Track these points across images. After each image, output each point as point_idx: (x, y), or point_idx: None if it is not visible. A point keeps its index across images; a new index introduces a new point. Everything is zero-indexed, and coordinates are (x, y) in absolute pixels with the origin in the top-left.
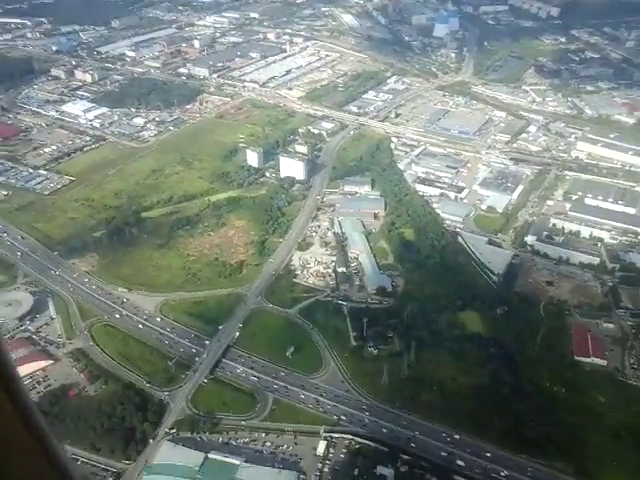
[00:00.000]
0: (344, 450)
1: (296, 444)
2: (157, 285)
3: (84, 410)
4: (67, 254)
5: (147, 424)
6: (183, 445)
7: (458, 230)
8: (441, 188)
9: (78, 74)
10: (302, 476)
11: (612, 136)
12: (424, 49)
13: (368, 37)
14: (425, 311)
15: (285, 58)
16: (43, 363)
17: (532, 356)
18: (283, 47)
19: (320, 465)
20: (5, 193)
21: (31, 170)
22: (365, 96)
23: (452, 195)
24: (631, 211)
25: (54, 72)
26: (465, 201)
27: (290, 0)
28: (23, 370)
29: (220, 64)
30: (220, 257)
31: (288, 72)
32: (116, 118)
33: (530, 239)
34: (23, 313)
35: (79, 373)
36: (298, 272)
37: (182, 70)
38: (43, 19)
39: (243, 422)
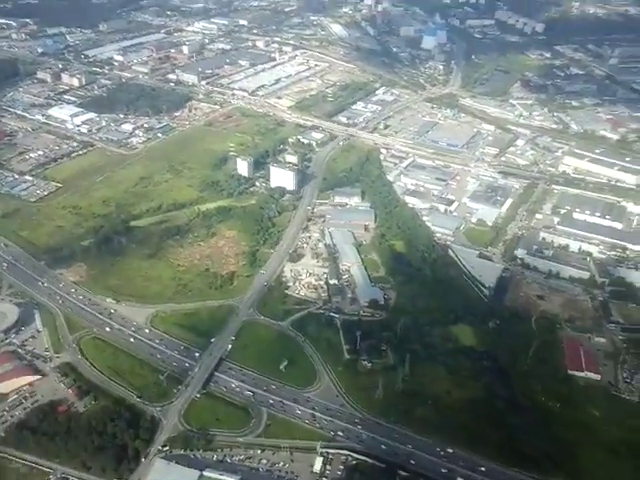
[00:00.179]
0: (341, 467)
1: (292, 461)
2: (147, 296)
3: (74, 427)
4: (54, 264)
5: (139, 441)
6: (177, 463)
7: (449, 243)
8: (431, 201)
9: (65, 78)
10: None
11: (598, 151)
12: (412, 61)
13: (357, 47)
14: (418, 324)
15: (274, 67)
16: (30, 378)
17: (525, 370)
18: (272, 55)
19: None
20: None
21: (16, 176)
22: (354, 107)
23: (442, 208)
24: (618, 226)
25: (40, 75)
26: (455, 214)
27: (279, 8)
28: (8, 385)
29: (209, 71)
30: (211, 268)
31: (277, 81)
32: (104, 124)
33: (520, 252)
34: (8, 326)
35: (67, 388)
36: (290, 284)
37: (171, 76)
38: (28, 20)
39: (240, 439)
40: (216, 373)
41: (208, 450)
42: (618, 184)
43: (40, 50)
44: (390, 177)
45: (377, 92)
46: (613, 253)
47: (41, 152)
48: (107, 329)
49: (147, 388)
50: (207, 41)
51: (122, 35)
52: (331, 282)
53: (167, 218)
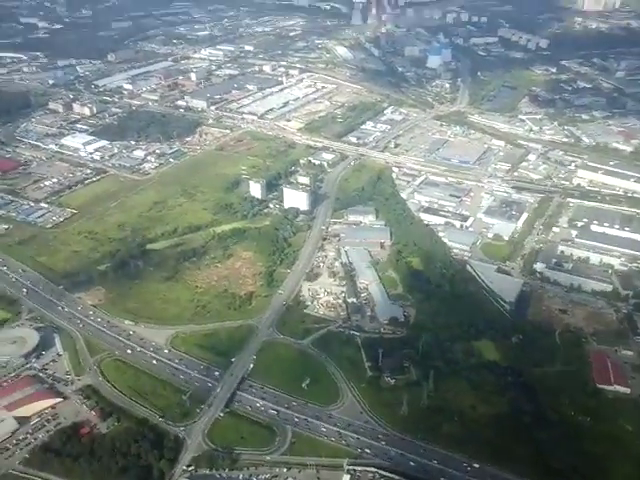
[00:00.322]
0: None
1: (319, 479)
2: (166, 318)
3: (97, 448)
4: (72, 288)
5: (164, 461)
6: None
7: (466, 258)
8: (446, 217)
9: (76, 107)
10: None
11: (612, 163)
12: (419, 80)
13: (362, 69)
14: (439, 340)
15: (282, 90)
16: (52, 401)
17: (552, 384)
18: (279, 79)
19: None
20: (6, 227)
21: (32, 203)
22: (363, 127)
23: (457, 224)
24: (638, 237)
25: (52, 105)
26: (471, 229)
27: (283, 33)
28: (30, 409)
29: (217, 96)
30: (229, 289)
31: (286, 104)
32: (116, 151)
33: (539, 266)
34: (28, 350)
35: (90, 410)
36: (308, 303)
37: (180, 102)
38: (39, 53)
39: (268, 457)
40: (239, 392)
41: (234, 469)
42: (635, 195)
43: (51, 81)
44: (403, 195)
45: (385, 112)
46: (635, 265)
47: (55, 180)
48: (128, 351)
49: (170, 408)
50: (214, 67)
51: (130, 64)
52: (350, 300)
53: (183, 241)
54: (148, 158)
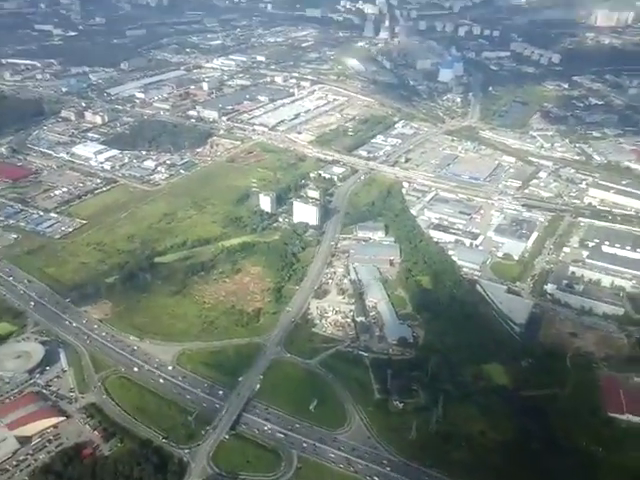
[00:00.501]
0: None
1: None
2: (173, 334)
3: (99, 471)
4: (79, 301)
5: None
6: None
7: (476, 278)
8: (456, 234)
9: (88, 116)
10: None
11: (624, 183)
12: (430, 93)
13: (374, 81)
14: (449, 363)
15: (293, 102)
16: (54, 420)
17: (563, 411)
18: (291, 90)
19: None
20: (15, 236)
21: (41, 213)
22: (374, 140)
23: (467, 242)
24: None
25: (64, 113)
26: (481, 248)
27: (296, 44)
28: (32, 428)
29: (229, 107)
30: (236, 305)
31: (297, 116)
32: (127, 160)
33: (550, 288)
34: (33, 365)
35: (93, 430)
36: (316, 321)
37: (191, 112)
38: (52, 60)
39: None
40: (245, 413)
41: None
42: None
43: (64, 89)
44: (413, 211)
45: (396, 125)
46: None
47: (65, 189)
48: (134, 369)
49: (175, 429)
50: (226, 77)
51: (143, 73)
52: (358, 319)
53: (192, 254)
54: (159, 169)
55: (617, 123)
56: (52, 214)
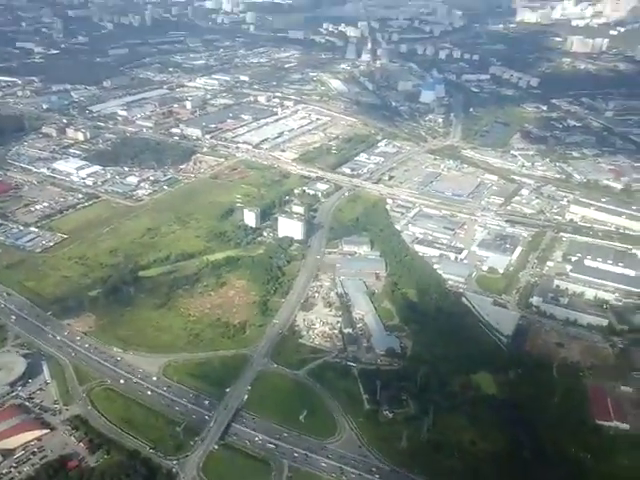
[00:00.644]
0: None
1: None
2: (159, 346)
3: None
4: (61, 314)
5: None
6: None
7: (462, 291)
8: (440, 249)
9: (70, 132)
10: None
11: (603, 200)
12: (412, 114)
13: (357, 102)
14: (437, 373)
15: (277, 121)
16: (38, 432)
17: (552, 420)
18: (274, 110)
19: None
20: None
21: (21, 227)
22: (357, 158)
23: (452, 256)
24: (631, 273)
25: (45, 130)
26: (465, 262)
27: (279, 65)
28: (15, 441)
29: (213, 125)
30: (222, 317)
31: (280, 134)
32: (109, 176)
33: (536, 300)
34: (15, 378)
35: (78, 442)
36: (304, 333)
37: (175, 130)
38: (34, 78)
39: None
40: (233, 424)
41: None
42: (626, 232)
43: (45, 106)
44: (398, 226)
45: (379, 144)
46: (629, 300)
47: (46, 204)
48: (119, 380)
49: (163, 440)
50: (209, 96)
51: (125, 91)
52: (345, 331)
53: (176, 268)
54: (142, 184)
55: (595, 144)
56: (32, 228)
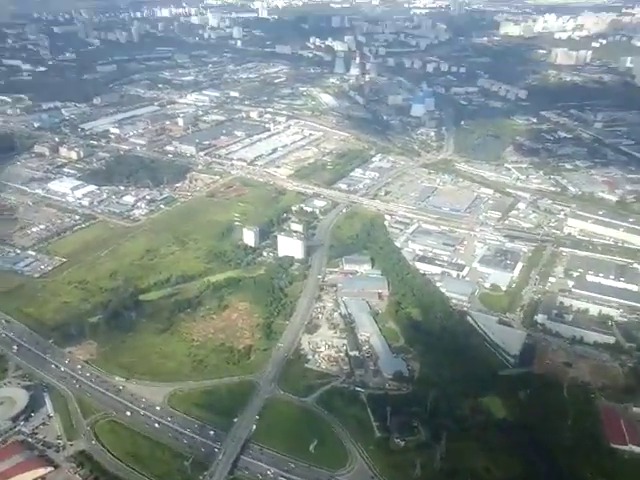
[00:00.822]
0: None
1: None
2: (163, 373)
3: None
4: (63, 342)
5: None
6: None
7: (466, 309)
8: (442, 266)
9: (63, 151)
10: None
11: (600, 213)
12: (404, 128)
13: (348, 116)
14: (447, 397)
15: (270, 137)
16: (42, 470)
17: (566, 443)
18: (267, 126)
19: None
20: None
21: (18, 251)
22: (352, 174)
23: (454, 273)
24: (634, 288)
25: (37, 149)
26: (467, 279)
27: (268, 80)
28: None
29: (206, 142)
30: (226, 342)
31: (274, 150)
32: (105, 196)
33: (541, 318)
34: (17, 412)
35: None
36: (309, 357)
37: (168, 148)
38: (23, 95)
39: None
40: (242, 456)
41: None
42: (626, 245)
43: (36, 124)
44: (397, 243)
45: (373, 159)
46: (635, 316)
47: (43, 226)
48: (125, 412)
49: (170, 475)
50: (201, 113)
51: (116, 108)
52: (352, 354)
53: (177, 291)
54: (138, 204)
55: (587, 155)
56: (30, 252)
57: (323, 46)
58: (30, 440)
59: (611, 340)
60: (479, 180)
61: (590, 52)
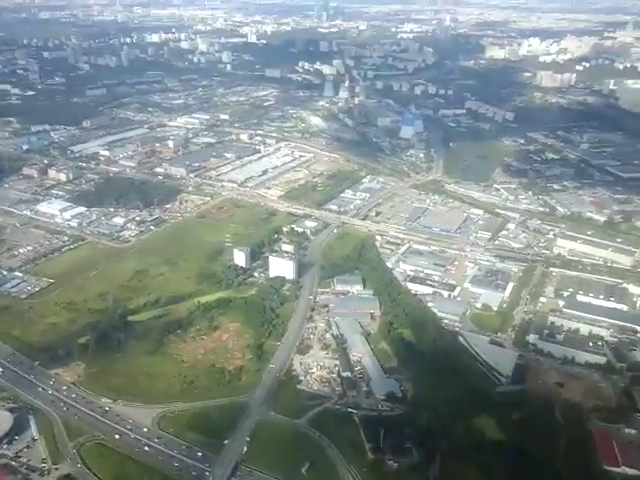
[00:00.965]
0: None
1: None
2: (152, 395)
3: None
4: (49, 363)
5: None
6: None
7: (458, 329)
8: (433, 286)
9: (52, 173)
10: None
11: (589, 233)
12: (393, 149)
13: (338, 138)
14: (440, 418)
15: (260, 158)
16: None
17: (560, 466)
18: (257, 148)
19: None
20: None
21: (5, 272)
22: (343, 195)
23: (445, 293)
24: (623, 308)
25: (26, 171)
26: (458, 299)
27: (257, 103)
28: None
29: (196, 164)
30: (217, 363)
31: (265, 172)
32: (94, 217)
33: (532, 338)
34: (1, 435)
35: None
36: (301, 378)
37: (158, 170)
38: (11, 119)
39: None
40: (233, 479)
41: None
42: (614, 265)
43: (25, 147)
44: (389, 263)
45: (363, 180)
46: (625, 336)
47: (30, 247)
48: (112, 435)
49: None
50: (191, 135)
51: (106, 131)
52: (344, 375)
53: (166, 312)
54: (128, 225)
55: (574, 176)
56: (17, 273)
57: (312, 70)
58: (13, 463)
59: (602, 360)
60: (469, 201)
61: (574, 75)
